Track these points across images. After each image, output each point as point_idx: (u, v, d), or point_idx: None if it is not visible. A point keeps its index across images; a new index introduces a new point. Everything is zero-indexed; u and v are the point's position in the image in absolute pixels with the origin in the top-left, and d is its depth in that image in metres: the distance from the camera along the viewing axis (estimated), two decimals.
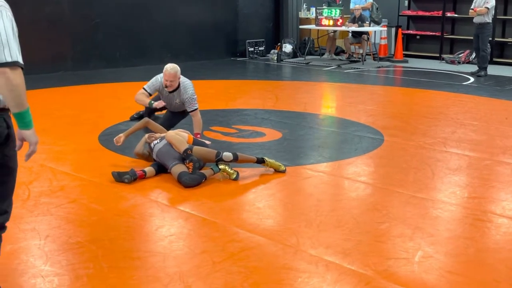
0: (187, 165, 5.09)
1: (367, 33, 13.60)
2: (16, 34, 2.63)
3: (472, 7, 11.72)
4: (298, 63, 13.85)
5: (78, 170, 5.45)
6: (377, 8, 14.07)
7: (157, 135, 5.59)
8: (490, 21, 11.63)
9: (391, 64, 13.89)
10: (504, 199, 4.85)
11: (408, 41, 15.45)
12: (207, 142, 5.82)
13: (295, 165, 5.68)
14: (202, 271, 3.49)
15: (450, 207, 4.63)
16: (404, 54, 14.45)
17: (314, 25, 14.23)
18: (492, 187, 5.16)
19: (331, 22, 13.66)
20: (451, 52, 14.72)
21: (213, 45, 14.15)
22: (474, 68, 12.49)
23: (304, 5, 15.79)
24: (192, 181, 4.98)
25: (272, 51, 14.63)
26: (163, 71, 6.47)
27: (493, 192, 5.05)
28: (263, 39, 14.94)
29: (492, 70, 12.35)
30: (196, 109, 6.44)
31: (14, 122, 2.74)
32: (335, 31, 14.18)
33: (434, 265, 3.61)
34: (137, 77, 10.75)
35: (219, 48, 14.36)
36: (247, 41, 14.60)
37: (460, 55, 14.00)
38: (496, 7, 12.31)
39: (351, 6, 13.89)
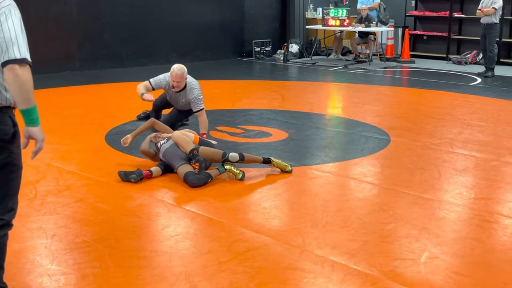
0: (193, 165, 5.10)
1: (373, 33, 13.58)
2: (24, 32, 2.66)
3: (479, 7, 11.69)
4: (305, 63, 13.84)
5: (84, 170, 5.46)
6: (384, 8, 14.05)
7: (164, 135, 5.60)
8: (498, 22, 11.60)
9: (397, 64, 13.87)
10: (511, 200, 4.84)
11: (415, 41, 15.41)
12: (213, 142, 5.83)
13: (301, 165, 5.68)
14: (208, 271, 3.49)
15: (457, 208, 4.62)
16: (411, 54, 14.42)
17: (320, 25, 14.22)
18: (499, 188, 5.14)
19: (337, 23, 13.64)
20: (458, 53, 14.68)
21: (220, 45, 14.16)
22: (481, 68, 12.45)
23: (311, 5, 15.78)
24: (198, 181, 4.99)
25: (279, 51, 14.62)
26: (170, 71, 6.49)
27: (500, 193, 5.03)
28: (270, 39, 14.94)
29: (499, 70, 12.32)
30: (201, 109, 6.46)
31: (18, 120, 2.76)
32: (341, 32, 14.16)
33: (440, 266, 3.60)
34: (144, 77, 10.70)
35: (226, 48, 14.37)
36: (254, 41, 14.60)
37: (467, 56, 13.96)
38: (503, 8, 12.28)
39: (359, 6, 13.86)
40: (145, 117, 7.33)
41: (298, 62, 13.99)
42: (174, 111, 6.93)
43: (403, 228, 4.18)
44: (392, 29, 14.51)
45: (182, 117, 6.91)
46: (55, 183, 5.05)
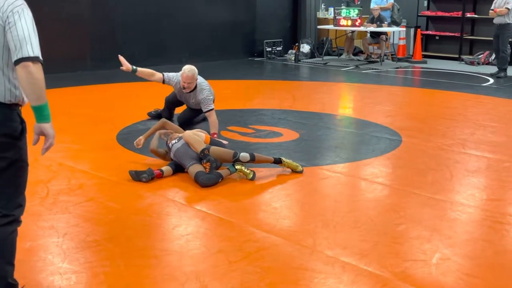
0: (204, 165, 5.10)
1: (385, 33, 13.54)
2: (36, 31, 2.72)
3: (492, 7, 11.61)
4: (316, 63, 13.82)
5: (96, 169, 5.48)
6: (398, 9, 13.98)
7: (175, 134, 5.62)
8: (511, 22, 11.51)
9: (409, 64, 13.81)
10: None
11: (427, 41, 15.34)
12: (224, 142, 5.84)
13: (312, 165, 5.67)
14: (218, 271, 3.50)
15: (469, 209, 4.59)
16: (423, 54, 14.35)
17: (332, 26, 14.18)
18: (511, 189, 5.11)
19: (349, 23, 13.61)
20: (471, 53, 14.60)
21: (231, 45, 14.16)
22: (493, 69, 12.37)
23: (323, 5, 15.75)
24: (208, 181, 4.99)
25: (290, 51, 14.60)
26: (181, 72, 6.55)
27: None
28: (281, 39, 14.93)
29: None
30: (211, 109, 6.50)
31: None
32: (353, 32, 14.13)
33: (452, 267, 3.58)
34: None
35: (237, 48, 14.37)
36: (265, 41, 14.59)
37: (480, 56, 13.88)
38: None
39: (372, 5, 13.82)
40: (156, 115, 7.37)
41: (310, 62, 13.97)
42: (188, 109, 7.04)
43: (415, 229, 4.17)
44: (404, 29, 14.45)
45: (196, 115, 7.06)
46: (66, 182, 5.08)
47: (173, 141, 5.47)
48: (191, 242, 3.91)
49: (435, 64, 13.78)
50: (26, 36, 2.64)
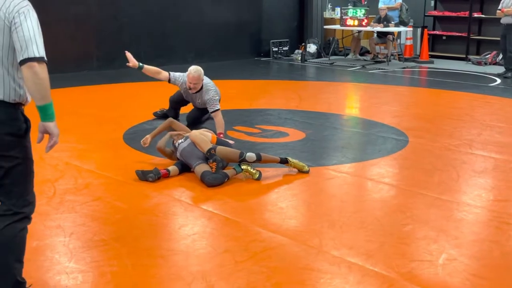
0: (211, 165, 5.11)
1: (392, 33, 13.51)
2: (41, 32, 2.76)
3: (499, 7, 11.57)
4: (322, 63, 13.80)
5: (102, 168, 5.50)
6: (406, 9, 13.93)
7: (183, 134, 5.64)
8: None
9: (416, 64, 13.78)
10: None
11: (434, 41, 15.29)
12: (231, 142, 5.84)
13: (318, 165, 5.67)
14: (225, 270, 3.50)
15: (475, 210, 4.58)
16: (429, 54, 14.31)
17: (338, 25, 14.17)
18: None
19: (356, 22, 13.59)
20: (478, 53, 14.55)
21: (237, 45, 14.17)
22: (501, 69, 12.33)
23: (329, 5, 15.73)
24: (215, 181, 5.00)
25: (296, 51, 14.60)
26: (187, 73, 6.58)
27: None
28: (287, 39, 14.92)
29: None
30: (217, 110, 6.52)
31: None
32: (360, 31, 14.10)
33: (458, 268, 3.57)
34: None
35: (243, 48, 14.37)
36: (271, 41, 14.58)
37: (487, 56, 13.83)
38: None
39: (380, 5, 13.80)
40: (162, 115, 7.39)
41: (316, 62, 13.96)
42: (195, 109, 7.07)
43: (421, 230, 4.16)
44: (411, 29, 14.42)
45: (204, 114, 7.10)
46: (73, 182, 5.09)
47: (180, 141, 5.48)
48: (198, 242, 3.91)
49: (442, 64, 13.74)
50: (32, 37, 2.68)
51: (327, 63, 13.69)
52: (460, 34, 14.62)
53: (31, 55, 2.67)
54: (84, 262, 3.59)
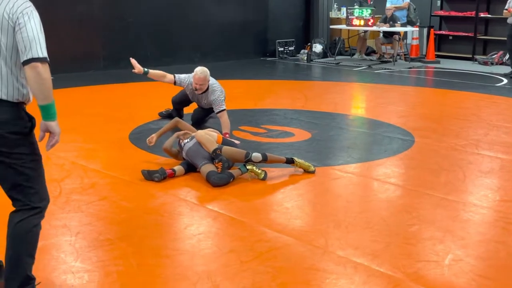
0: (216, 165, 5.11)
1: (398, 33, 13.48)
2: (43, 32, 2.80)
3: (506, 7, 11.53)
4: (328, 63, 13.79)
5: (108, 168, 5.51)
6: (414, 9, 13.89)
7: (189, 133, 5.65)
8: None
9: (422, 64, 13.75)
10: None
11: (440, 41, 15.25)
12: (236, 142, 5.84)
13: (324, 165, 5.66)
14: (230, 270, 3.50)
15: (482, 210, 4.57)
16: (436, 54, 14.28)
17: (344, 25, 14.15)
18: None
19: (362, 22, 13.57)
20: (484, 53, 14.50)
21: (243, 45, 14.17)
22: (507, 69, 12.29)
23: (335, 5, 15.71)
24: (220, 181, 5.00)
25: (302, 51, 14.58)
26: (193, 74, 6.61)
27: None
28: (293, 39, 14.91)
29: None
30: (223, 110, 6.54)
31: None
32: (366, 31, 14.08)
33: (465, 268, 3.56)
34: None
35: (249, 48, 14.37)
36: (277, 41, 14.58)
37: (493, 56, 13.78)
38: None
39: (388, 5, 13.77)
40: (167, 115, 7.42)
41: (322, 62, 13.94)
42: (199, 109, 7.09)
43: (427, 230, 4.15)
44: (417, 29, 14.38)
45: (208, 113, 7.13)
46: (79, 181, 5.10)
47: (186, 141, 5.49)
48: (203, 242, 3.92)
49: (448, 64, 13.70)
50: (36, 37, 2.73)
51: (333, 63, 13.67)
52: (466, 34, 14.58)
53: (35, 56, 2.70)
54: (90, 262, 3.59)
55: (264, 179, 5.19)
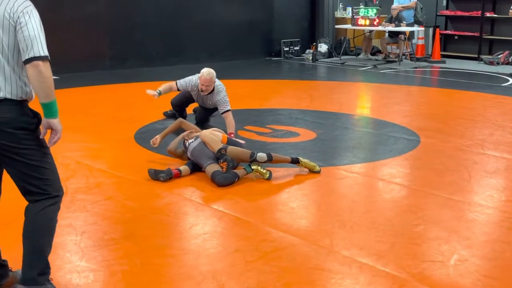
0: (221, 165, 5.11)
1: (404, 33, 13.46)
2: (43, 31, 2.84)
3: None
4: (334, 63, 13.78)
5: (114, 168, 5.52)
6: (421, 8, 13.85)
7: (193, 132, 5.65)
8: None
9: (428, 64, 13.71)
10: None
11: (446, 41, 15.22)
12: (242, 141, 5.85)
13: (329, 165, 5.66)
14: (235, 270, 3.50)
15: (487, 210, 4.56)
16: (441, 54, 14.25)
17: (350, 25, 14.12)
18: None
19: (367, 22, 13.54)
20: (490, 53, 14.46)
21: (248, 45, 14.17)
22: None
23: (340, 5, 15.70)
24: (225, 180, 5.00)
25: (308, 51, 14.57)
26: (199, 75, 6.64)
27: None
28: (299, 39, 14.91)
29: None
30: (228, 110, 6.56)
31: None
32: (371, 31, 14.06)
33: (470, 268, 3.55)
34: (173, 76, 10.80)
35: (254, 48, 14.37)
36: (282, 40, 14.58)
37: (499, 56, 13.74)
38: None
39: (394, 4, 13.75)
40: (172, 114, 7.44)
41: (327, 62, 13.93)
42: (201, 109, 7.10)
43: (432, 230, 4.14)
44: (423, 28, 14.35)
45: (211, 113, 7.18)
46: (85, 181, 5.12)
47: (190, 140, 5.49)
48: (208, 241, 3.92)
49: (454, 64, 13.67)
50: (37, 36, 2.76)
51: (338, 63, 13.66)
52: (472, 33, 14.54)
53: (37, 54, 2.74)
54: (95, 261, 3.60)
55: (269, 179, 5.19)
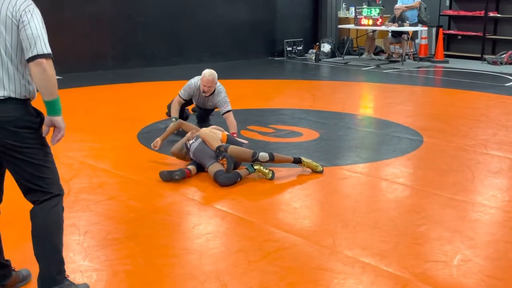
0: (221, 162, 5.11)
1: (407, 33, 13.45)
2: (45, 29, 2.85)
3: None
4: (337, 63, 13.77)
5: (117, 168, 5.52)
6: (425, 8, 13.84)
7: (194, 132, 5.65)
8: None
9: (431, 64, 13.70)
10: None
11: (449, 41, 15.20)
12: (244, 141, 5.84)
13: (332, 165, 5.65)
14: (238, 270, 3.50)
15: (490, 210, 4.55)
16: (445, 54, 14.23)
17: (353, 25, 14.13)
18: None
19: (370, 22, 13.54)
20: (493, 53, 14.44)
21: (251, 45, 14.18)
22: None
23: (343, 5, 15.69)
24: (228, 180, 5.00)
25: (310, 50, 14.57)
26: (201, 77, 6.65)
27: None
28: (302, 39, 14.91)
29: None
30: (229, 110, 6.57)
31: None
32: (374, 31, 14.06)
33: (473, 269, 3.54)
34: (176, 75, 10.85)
35: (257, 48, 14.38)
36: (285, 40, 14.58)
37: (503, 56, 13.72)
38: None
39: (398, 4, 13.74)
40: None
41: (330, 62, 13.93)
42: (201, 110, 7.10)
43: (436, 230, 4.13)
44: (426, 28, 14.34)
45: (209, 113, 7.22)
46: (88, 181, 5.12)
47: (191, 141, 5.49)
48: (211, 241, 3.92)
49: (457, 64, 13.65)
50: (40, 34, 2.77)
51: (341, 63, 13.66)
52: (475, 33, 14.52)
53: (40, 52, 2.75)
54: (98, 261, 3.61)
55: (271, 179, 5.18)
